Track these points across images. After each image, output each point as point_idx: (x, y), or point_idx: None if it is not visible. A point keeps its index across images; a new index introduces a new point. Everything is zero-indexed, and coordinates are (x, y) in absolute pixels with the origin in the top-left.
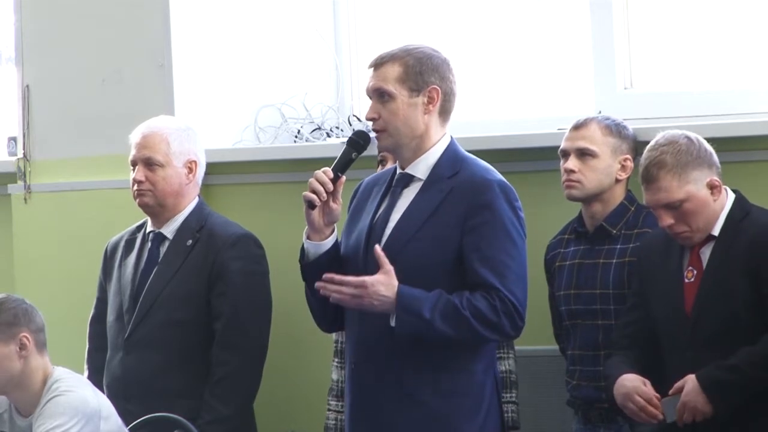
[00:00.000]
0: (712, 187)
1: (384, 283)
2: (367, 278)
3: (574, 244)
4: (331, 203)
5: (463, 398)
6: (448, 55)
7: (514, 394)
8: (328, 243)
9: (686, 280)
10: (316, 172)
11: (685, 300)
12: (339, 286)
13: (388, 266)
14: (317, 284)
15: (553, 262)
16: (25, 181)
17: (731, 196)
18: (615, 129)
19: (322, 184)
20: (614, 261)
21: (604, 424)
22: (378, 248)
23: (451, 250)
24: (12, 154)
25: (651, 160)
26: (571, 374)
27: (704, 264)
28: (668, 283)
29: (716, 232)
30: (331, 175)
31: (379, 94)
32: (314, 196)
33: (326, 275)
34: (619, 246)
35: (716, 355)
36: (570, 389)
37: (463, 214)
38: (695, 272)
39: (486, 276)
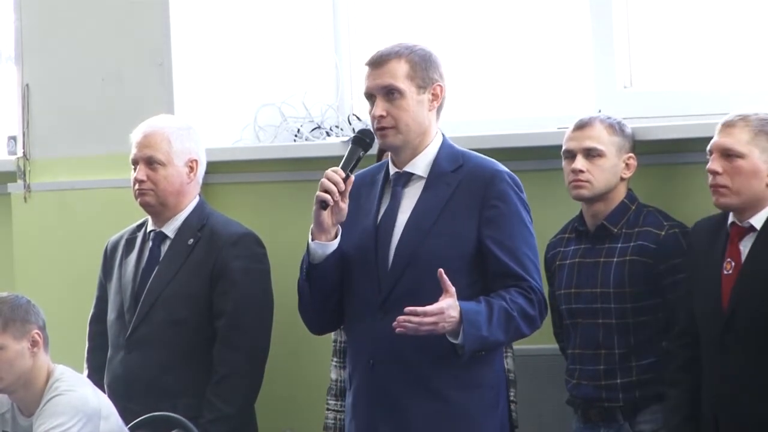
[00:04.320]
0: None
1: (453, 305)
2: (443, 304)
3: (575, 243)
4: (340, 203)
5: (487, 391)
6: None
7: (512, 393)
8: (335, 243)
9: (724, 272)
10: (327, 171)
11: (722, 293)
12: (421, 317)
13: (452, 288)
14: (399, 320)
15: (553, 261)
16: (24, 180)
17: None
18: (618, 128)
19: (335, 183)
20: (615, 260)
21: (604, 423)
22: (442, 272)
23: (469, 242)
24: (12, 153)
25: (739, 113)
26: (571, 373)
27: (743, 257)
28: (709, 275)
29: (758, 224)
30: (343, 174)
31: (386, 92)
32: (328, 196)
33: (409, 309)
34: (619, 245)
35: (749, 357)
36: (570, 388)
37: (477, 205)
38: (733, 264)
39: (513, 266)
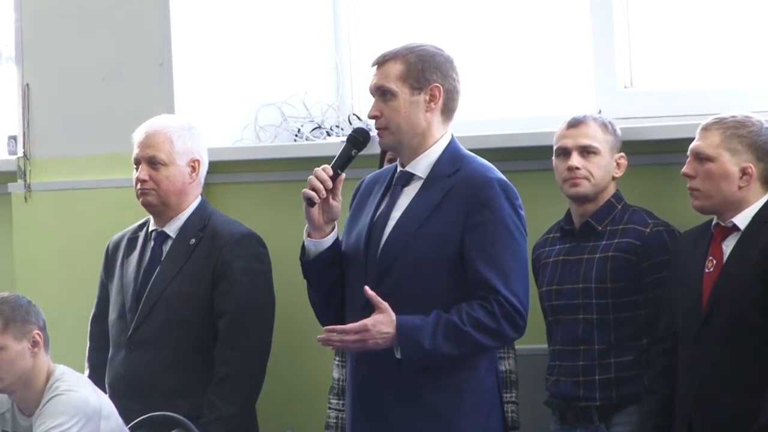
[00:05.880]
0: (744, 173)
1: (383, 321)
2: (367, 321)
3: (560, 242)
4: (331, 201)
5: (466, 395)
6: (451, 54)
7: (514, 394)
8: (329, 240)
9: (706, 270)
10: (316, 169)
11: (703, 291)
12: (342, 335)
13: (383, 304)
14: (319, 338)
15: (538, 261)
16: (25, 180)
17: (766, 196)
18: (611, 127)
19: (322, 181)
20: (598, 255)
21: (580, 423)
22: (368, 290)
23: (453, 247)
24: (12, 152)
25: (718, 116)
26: (551, 370)
27: (725, 256)
28: (691, 273)
29: (742, 224)
30: (331, 172)
31: (381, 92)
32: (313, 194)
33: (327, 327)
34: (604, 242)
35: (725, 354)
36: (548, 386)
37: (463, 211)
38: (715, 262)
39: (488, 275)
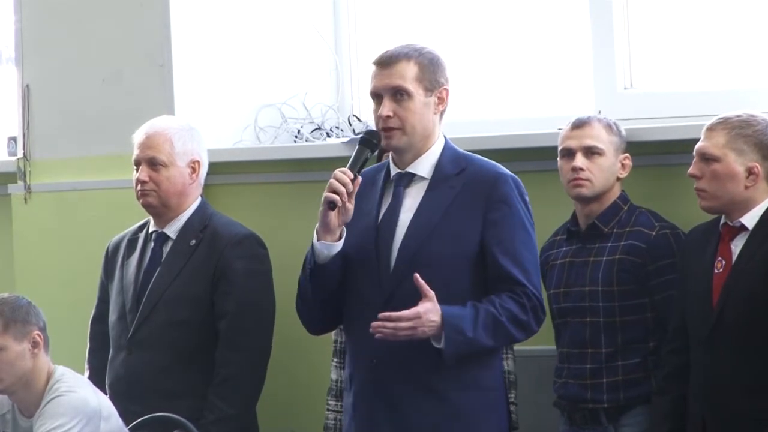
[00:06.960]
0: (750, 172)
1: (432, 309)
2: (419, 308)
3: (566, 244)
4: (347, 203)
5: (486, 392)
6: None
7: (513, 394)
8: (341, 243)
9: (715, 271)
10: (335, 172)
11: (713, 292)
12: (396, 322)
13: (431, 293)
14: (373, 326)
15: (545, 264)
16: (25, 181)
17: None
18: (615, 128)
19: (344, 184)
20: (604, 258)
21: (588, 425)
22: (418, 276)
23: (471, 244)
24: (12, 154)
25: (723, 115)
26: (559, 372)
27: (734, 257)
28: (700, 274)
29: (750, 224)
30: (351, 175)
31: (394, 92)
32: (336, 197)
33: (383, 314)
34: (610, 244)
35: (737, 354)
36: (557, 388)
37: (481, 207)
38: (724, 263)
39: (511, 270)
